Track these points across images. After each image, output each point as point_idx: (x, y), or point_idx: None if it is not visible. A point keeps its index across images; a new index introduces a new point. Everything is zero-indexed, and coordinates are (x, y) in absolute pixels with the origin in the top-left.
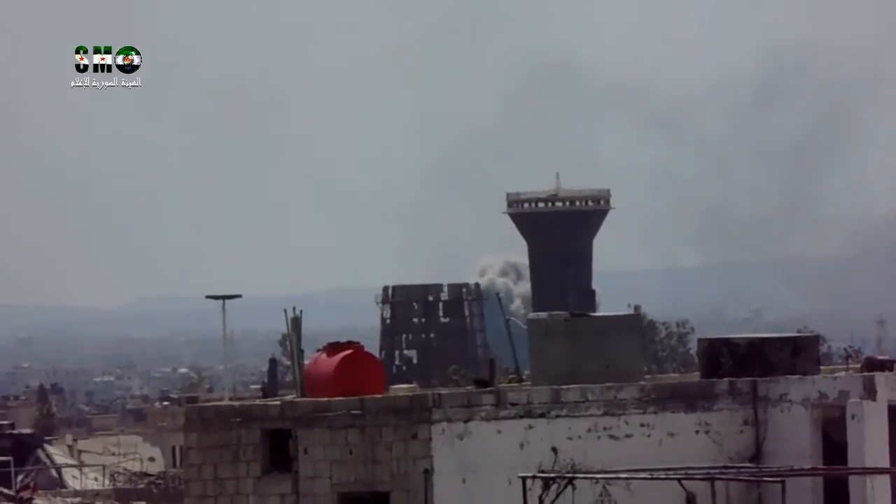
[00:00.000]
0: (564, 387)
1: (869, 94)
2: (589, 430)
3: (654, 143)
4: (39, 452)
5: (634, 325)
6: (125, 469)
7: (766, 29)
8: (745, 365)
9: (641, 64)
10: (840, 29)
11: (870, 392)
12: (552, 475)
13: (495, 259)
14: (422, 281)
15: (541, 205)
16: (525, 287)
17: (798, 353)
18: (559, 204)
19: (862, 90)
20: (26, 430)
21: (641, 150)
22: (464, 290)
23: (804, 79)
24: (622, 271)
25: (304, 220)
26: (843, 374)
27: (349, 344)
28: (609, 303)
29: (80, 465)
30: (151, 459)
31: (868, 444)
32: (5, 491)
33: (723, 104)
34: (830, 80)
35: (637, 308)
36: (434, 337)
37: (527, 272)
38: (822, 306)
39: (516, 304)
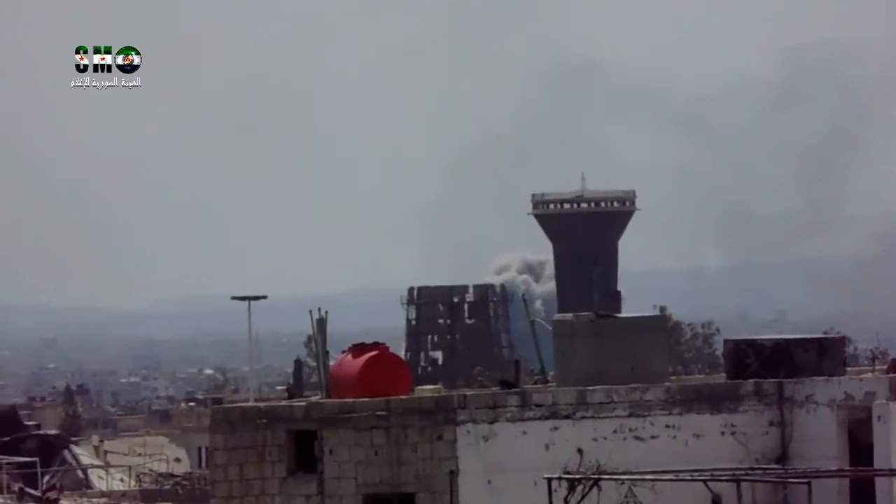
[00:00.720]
0: (590, 388)
1: (891, 92)
2: (614, 432)
3: (675, 144)
4: (65, 453)
5: (660, 326)
6: (151, 470)
7: (788, 28)
8: (771, 366)
9: (663, 64)
10: (862, 27)
11: None
12: (578, 476)
13: (513, 257)
14: (443, 281)
15: (566, 206)
16: (544, 287)
17: (824, 355)
18: (584, 205)
19: (885, 88)
20: (52, 431)
21: (663, 151)
22: (489, 291)
23: (826, 77)
24: (643, 272)
25: (328, 221)
26: (869, 375)
27: (375, 345)
28: (632, 303)
29: (106, 466)
30: (177, 460)
31: (894, 446)
32: (32, 492)
33: (745, 104)
34: (853, 79)
35: (663, 309)
36: (459, 338)
37: (545, 271)
38: (844, 307)
39: (536, 305)
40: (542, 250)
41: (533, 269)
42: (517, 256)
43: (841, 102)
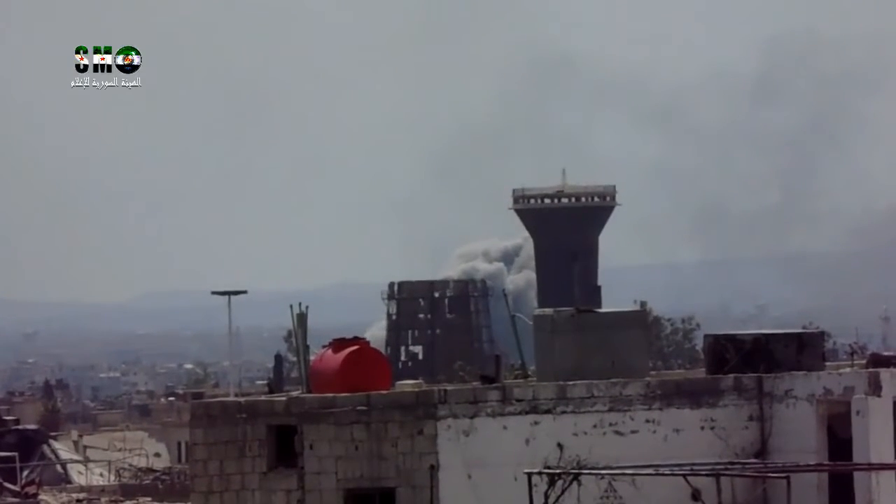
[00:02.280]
0: (570, 383)
1: (870, 85)
2: (594, 426)
3: (653, 139)
4: (45, 448)
5: (640, 321)
6: (131, 465)
7: (765, 19)
8: (751, 361)
9: (639, 58)
10: (840, 18)
11: (875, 388)
12: (558, 471)
13: (478, 248)
14: (421, 275)
15: (546, 201)
16: (514, 277)
17: (803, 350)
18: (565, 200)
19: (863, 80)
20: (31, 426)
21: (641, 146)
22: (469, 285)
23: (804, 70)
24: (623, 267)
25: (309, 217)
26: (848, 370)
27: (355, 340)
28: (612, 298)
29: (86, 461)
30: (157, 455)
31: (873, 440)
32: (11, 486)
33: (723, 97)
34: (830, 71)
35: (643, 304)
36: (440, 333)
37: (516, 259)
38: (822, 303)
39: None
40: (513, 237)
41: (497, 258)
42: (482, 247)
43: (819, 94)
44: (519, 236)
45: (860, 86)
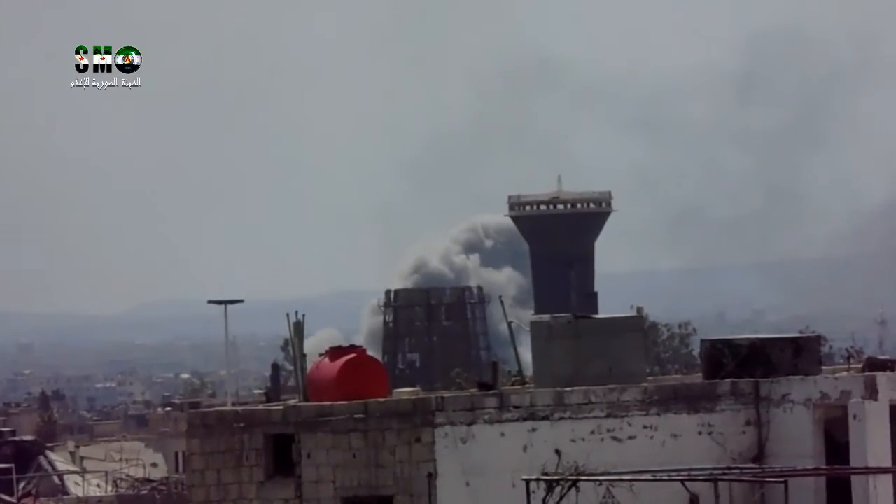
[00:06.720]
0: (567, 389)
1: (856, 84)
2: (592, 432)
3: (636, 143)
4: (41, 459)
5: (637, 326)
6: (128, 475)
7: (748, 18)
8: (747, 366)
9: (621, 61)
10: (824, 16)
11: (871, 392)
12: (556, 477)
13: (445, 240)
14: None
15: (542, 207)
16: (483, 275)
17: (800, 354)
18: (560, 206)
19: (848, 79)
20: (28, 437)
21: (624, 151)
22: (466, 293)
23: (788, 69)
24: (619, 273)
25: (305, 225)
26: (844, 374)
27: (352, 348)
28: (608, 304)
29: (83, 472)
30: (154, 465)
31: (870, 444)
32: (7, 498)
33: (707, 99)
34: (816, 70)
35: (640, 309)
36: (437, 340)
37: (490, 259)
38: (817, 306)
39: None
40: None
41: (470, 251)
42: (453, 240)
43: (804, 93)
44: (495, 229)
45: (846, 85)
